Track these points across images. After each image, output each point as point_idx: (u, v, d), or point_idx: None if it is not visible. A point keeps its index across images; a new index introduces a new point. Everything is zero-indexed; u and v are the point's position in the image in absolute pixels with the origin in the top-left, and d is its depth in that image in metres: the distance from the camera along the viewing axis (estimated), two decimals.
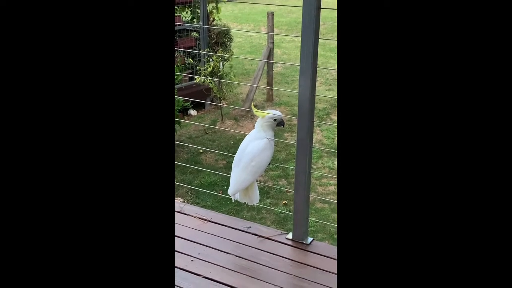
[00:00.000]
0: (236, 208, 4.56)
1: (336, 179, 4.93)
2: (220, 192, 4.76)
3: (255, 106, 2.34)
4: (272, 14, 6.44)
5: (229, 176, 2.08)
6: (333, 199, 4.74)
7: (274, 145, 2.10)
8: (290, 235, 2.15)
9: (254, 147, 2.03)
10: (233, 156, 2.10)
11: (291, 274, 1.94)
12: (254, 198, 2.13)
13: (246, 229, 2.21)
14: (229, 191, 2.08)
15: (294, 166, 2.05)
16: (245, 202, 2.16)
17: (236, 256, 2.05)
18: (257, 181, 2.18)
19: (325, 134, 6.02)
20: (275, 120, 2.04)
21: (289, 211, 4.39)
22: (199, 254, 2.05)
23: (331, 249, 2.12)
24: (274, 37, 6.98)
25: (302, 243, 2.11)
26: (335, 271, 1.94)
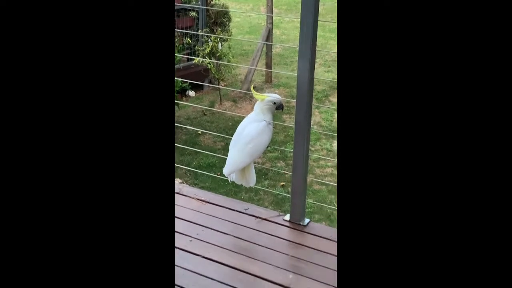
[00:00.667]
0: (234, 190, 4.59)
1: (333, 161, 4.97)
2: (218, 173, 4.78)
3: (254, 88, 2.34)
4: None
5: (227, 157, 2.10)
6: (330, 181, 4.77)
7: (273, 128, 2.11)
8: (287, 217, 2.18)
9: (252, 129, 2.04)
10: (231, 138, 2.11)
11: (288, 255, 1.98)
12: (251, 180, 2.15)
13: (244, 211, 2.24)
14: (224, 171, 2.09)
15: (292, 149, 2.06)
16: (242, 184, 2.18)
17: (234, 237, 2.08)
18: (254, 163, 2.19)
19: (324, 116, 6.02)
20: (274, 103, 2.04)
21: (287, 193, 4.42)
22: (197, 234, 2.08)
23: (328, 230, 2.15)
24: (273, 17, 6.92)
25: (299, 224, 2.14)
26: (331, 252, 1.97)
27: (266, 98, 2.04)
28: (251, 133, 2.03)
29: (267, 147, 2.11)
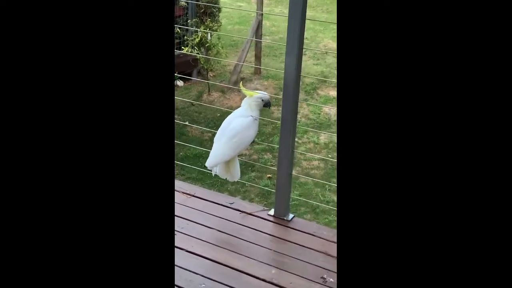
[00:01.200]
0: (221, 181, 4.60)
1: (320, 154, 5.00)
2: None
3: (242, 79, 2.35)
4: None
5: None
6: (317, 174, 4.80)
7: (260, 121, 2.12)
8: (272, 211, 2.19)
9: (238, 123, 2.04)
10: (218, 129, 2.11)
11: (271, 250, 2.00)
12: (235, 174, 2.16)
13: (229, 205, 2.25)
14: (207, 163, 2.10)
15: (279, 142, 2.08)
16: (226, 178, 2.18)
17: (219, 231, 2.09)
18: (241, 156, 2.20)
19: (311, 109, 6.03)
20: (262, 100, 2.05)
21: (273, 185, 4.44)
22: (182, 228, 2.09)
23: (311, 226, 2.17)
24: (263, 9, 6.89)
25: (283, 219, 2.16)
26: (315, 247, 2.00)
27: (254, 94, 2.05)
28: (236, 127, 2.04)
29: (252, 141, 2.13)
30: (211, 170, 2.15)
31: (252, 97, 2.06)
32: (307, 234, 2.08)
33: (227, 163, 2.12)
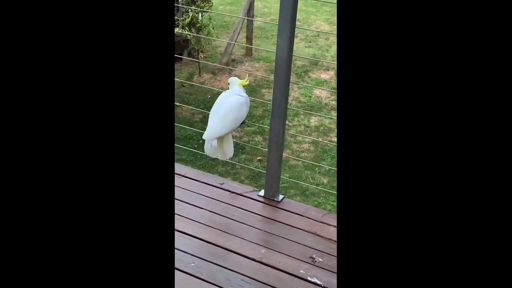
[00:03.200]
0: (211, 163, 4.61)
1: (310, 137, 5.01)
2: (195, 146, 4.78)
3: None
4: None
5: (205, 131, 2.10)
6: (307, 157, 4.82)
7: (250, 103, 2.15)
8: (262, 192, 2.21)
9: (235, 101, 2.09)
10: (209, 111, 2.12)
11: (261, 230, 2.02)
12: (228, 152, 2.17)
13: (219, 185, 2.26)
14: (205, 136, 2.09)
15: (269, 124, 2.09)
16: (217, 157, 2.19)
17: (209, 211, 2.10)
18: (232, 137, 2.21)
19: (302, 92, 6.03)
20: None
21: (263, 168, 4.46)
22: None
23: (300, 207, 2.19)
24: None
25: (273, 200, 2.17)
26: (304, 228, 2.02)
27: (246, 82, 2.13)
28: (233, 103, 2.08)
29: (243, 122, 2.14)
30: (206, 149, 2.13)
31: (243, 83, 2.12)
32: (296, 215, 2.10)
33: (221, 140, 2.13)
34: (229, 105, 2.08)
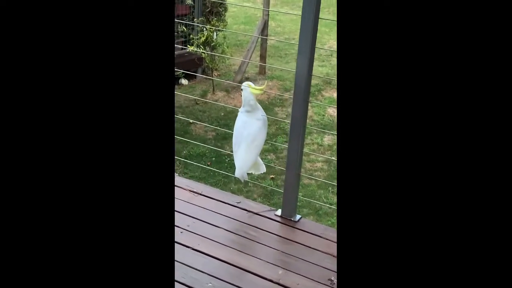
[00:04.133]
0: (224, 180, 4.59)
1: (324, 156, 4.99)
2: (209, 163, 4.77)
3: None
4: None
5: (218, 148, 2.11)
6: (320, 176, 4.79)
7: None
8: (279, 212, 2.18)
9: (254, 128, 2.05)
10: (223, 128, 2.12)
11: (278, 250, 1.99)
12: (261, 168, 2.21)
13: (236, 204, 2.24)
14: (237, 174, 2.10)
15: (283, 142, 2.08)
16: (252, 172, 2.19)
17: (225, 230, 2.08)
18: None
19: (316, 110, 6.02)
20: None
21: (276, 186, 4.44)
22: (188, 226, 2.08)
23: (318, 227, 2.16)
24: (269, 9, 6.89)
25: (291, 220, 2.15)
26: (322, 249, 1.99)
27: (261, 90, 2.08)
28: (253, 132, 2.06)
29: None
30: (242, 180, 2.15)
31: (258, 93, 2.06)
32: (314, 236, 2.07)
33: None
34: (250, 135, 2.05)
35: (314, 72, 1.91)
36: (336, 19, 1.03)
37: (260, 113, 2.08)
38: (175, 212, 2.15)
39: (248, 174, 2.17)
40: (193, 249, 1.95)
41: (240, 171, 2.09)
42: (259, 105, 2.09)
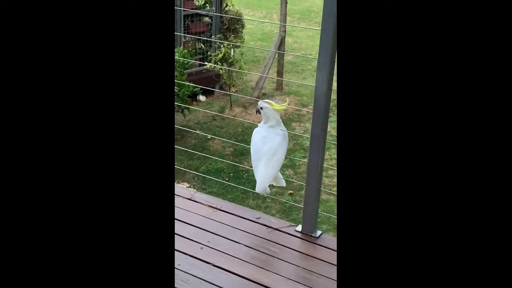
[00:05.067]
0: (242, 196, 4.58)
1: None
2: (227, 179, 4.78)
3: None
4: (286, 1, 6.39)
5: (236, 163, 2.11)
6: None
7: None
8: (299, 227, 2.17)
9: (274, 143, 2.04)
10: (240, 144, 2.12)
11: (299, 266, 1.96)
12: (281, 181, 2.22)
13: (255, 219, 2.23)
14: (258, 189, 2.08)
15: (301, 157, 2.07)
16: (272, 184, 2.20)
17: (245, 245, 2.07)
18: None
19: (333, 125, 6.00)
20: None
21: (295, 201, 4.41)
22: (208, 242, 2.08)
23: None
24: (286, 25, 6.93)
25: (311, 236, 2.13)
26: None
27: (282, 107, 2.07)
28: (274, 146, 2.05)
29: None
30: (263, 194, 2.15)
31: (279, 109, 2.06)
32: (335, 252, 2.04)
33: None
34: (270, 150, 2.04)
35: (333, 87, 1.91)
36: None
37: (280, 128, 2.08)
38: (195, 228, 2.15)
39: (269, 186, 2.16)
40: (213, 265, 1.94)
41: (261, 186, 2.08)
42: (280, 120, 2.10)
